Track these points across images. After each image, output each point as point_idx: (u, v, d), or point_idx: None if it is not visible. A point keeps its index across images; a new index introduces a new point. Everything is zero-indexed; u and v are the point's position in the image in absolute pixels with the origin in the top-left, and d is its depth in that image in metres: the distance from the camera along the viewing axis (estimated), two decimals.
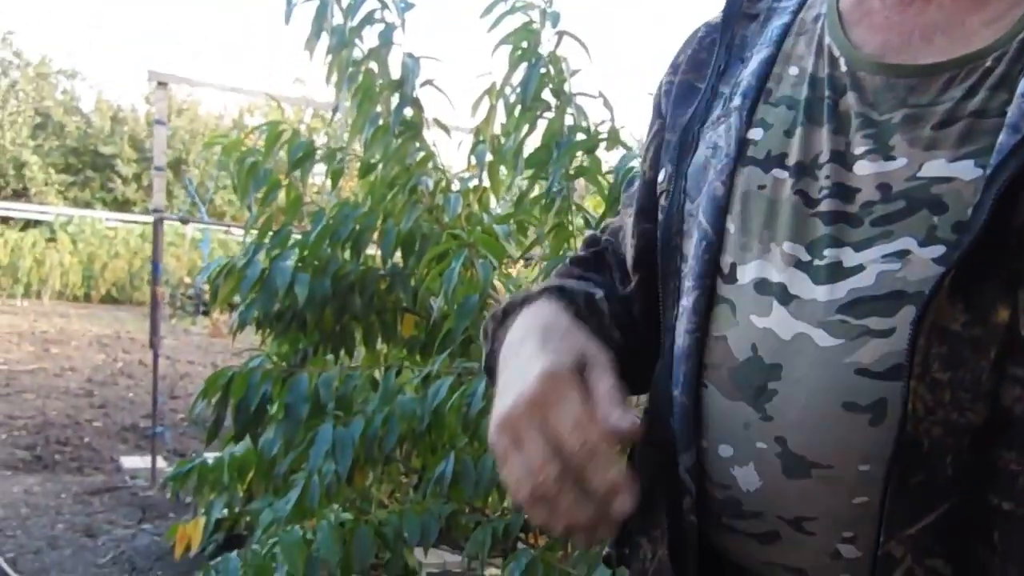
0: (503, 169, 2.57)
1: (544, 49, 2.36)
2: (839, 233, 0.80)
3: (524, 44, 2.36)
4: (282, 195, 2.62)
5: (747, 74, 0.93)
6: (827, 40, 0.90)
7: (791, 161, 0.85)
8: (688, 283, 0.89)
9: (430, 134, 2.55)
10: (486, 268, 2.16)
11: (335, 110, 2.70)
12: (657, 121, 1.03)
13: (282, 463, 2.15)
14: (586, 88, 2.41)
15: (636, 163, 2.14)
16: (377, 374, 2.26)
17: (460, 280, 2.18)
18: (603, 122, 2.38)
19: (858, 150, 0.81)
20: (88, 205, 18.44)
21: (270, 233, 2.54)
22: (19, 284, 14.19)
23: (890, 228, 0.77)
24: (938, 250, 0.75)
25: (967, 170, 0.75)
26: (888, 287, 0.76)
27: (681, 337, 0.89)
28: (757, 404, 0.81)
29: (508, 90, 2.41)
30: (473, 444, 2.07)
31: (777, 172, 0.85)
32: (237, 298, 2.60)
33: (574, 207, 2.34)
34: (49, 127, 20.45)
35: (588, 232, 1.40)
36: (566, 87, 2.39)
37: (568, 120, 2.39)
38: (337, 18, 2.45)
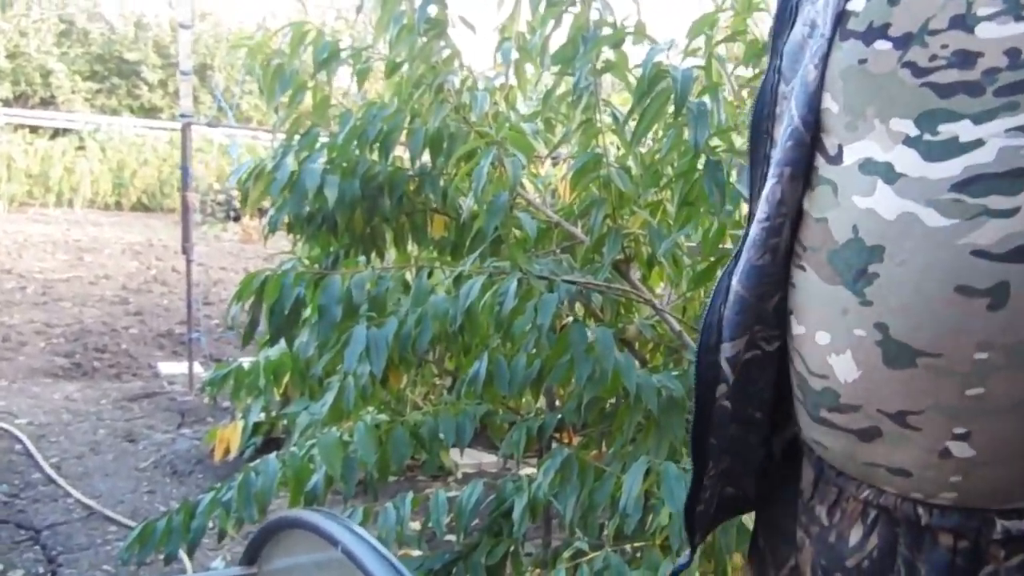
0: (529, 67, 2.53)
1: None
2: (956, 105, 0.73)
3: None
4: (308, 97, 2.60)
5: None
6: None
7: (896, 32, 0.77)
8: (771, 170, 0.86)
9: (455, 33, 2.52)
10: (516, 165, 2.14)
11: (359, 9, 2.66)
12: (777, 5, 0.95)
13: (317, 365, 2.17)
14: None
15: (662, 57, 2.10)
16: (408, 276, 2.26)
17: (489, 179, 2.16)
18: (628, 16, 2.33)
19: (983, 11, 0.73)
20: (115, 112, 18.39)
21: (297, 135, 2.53)
22: (51, 193, 14.26)
23: (1017, 99, 0.71)
24: None
25: None
26: (1013, 163, 0.70)
27: (754, 226, 0.87)
28: (856, 288, 0.77)
29: None
30: (506, 344, 2.08)
31: (880, 44, 0.78)
32: (267, 203, 2.61)
33: (601, 103, 2.30)
34: (73, 34, 20.28)
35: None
36: None
37: (594, 15, 2.33)
38: None
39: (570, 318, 2.26)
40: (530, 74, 2.62)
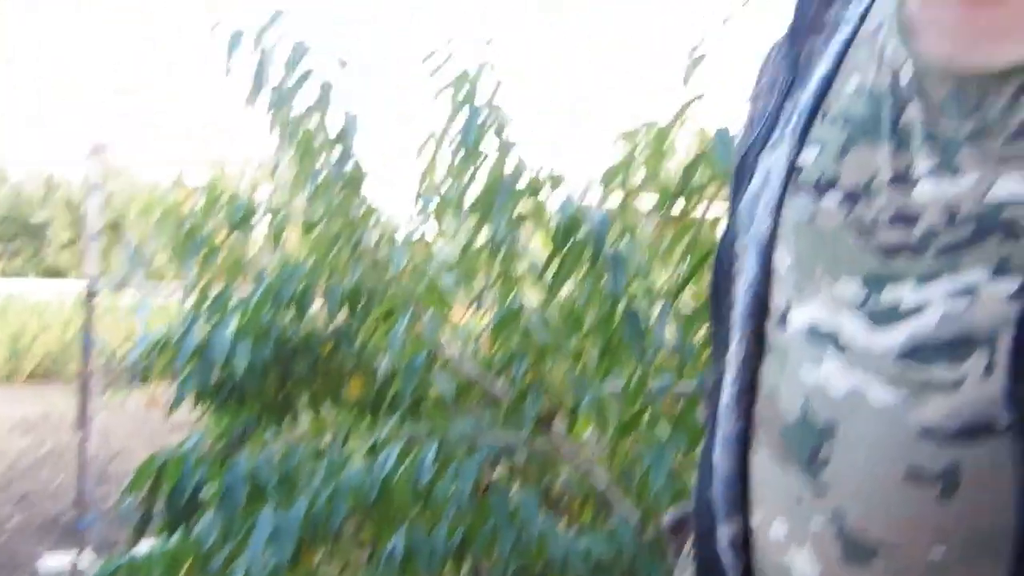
0: (447, 217, 2.53)
1: (483, 97, 2.33)
2: (898, 266, 0.70)
3: (463, 93, 2.33)
4: (221, 257, 2.55)
5: (806, 94, 0.85)
6: (889, 50, 0.81)
7: (845, 187, 0.76)
8: (734, 331, 0.82)
9: (371, 187, 2.52)
10: (433, 325, 2.09)
11: (276, 167, 2.66)
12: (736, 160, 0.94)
13: (219, 555, 2.03)
14: (525, 134, 2.39)
15: (578, 205, 2.12)
16: (323, 444, 2.18)
17: (407, 338, 2.12)
18: (543, 167, 2.36)
19: (920, 168, 0.72)
20: (20, 274, 18.04)
21: (208, 301, 2.47)
22: None
23: (956, 259, 0.67)
24: (1012, 283, 0.65)
25: None
26: (954, 330, 0.66)
27: (724, 390, 0.82)
28: (811, 472, 0.72)
29: (448, 139, 2.38)
30: (425, 513, 1.99)
31: (828, 199, 0.76)
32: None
33: (520, 252, 2.29)
34: None
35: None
36: (505, 134, 2.35)
37: (509, 167, 2.35)
38: (275, 77, 2.43)
39: (495, 477, 2.19)
40: (447, 224, 2.62)
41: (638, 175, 2.32)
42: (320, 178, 2.35)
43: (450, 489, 1.85)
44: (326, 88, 2.38)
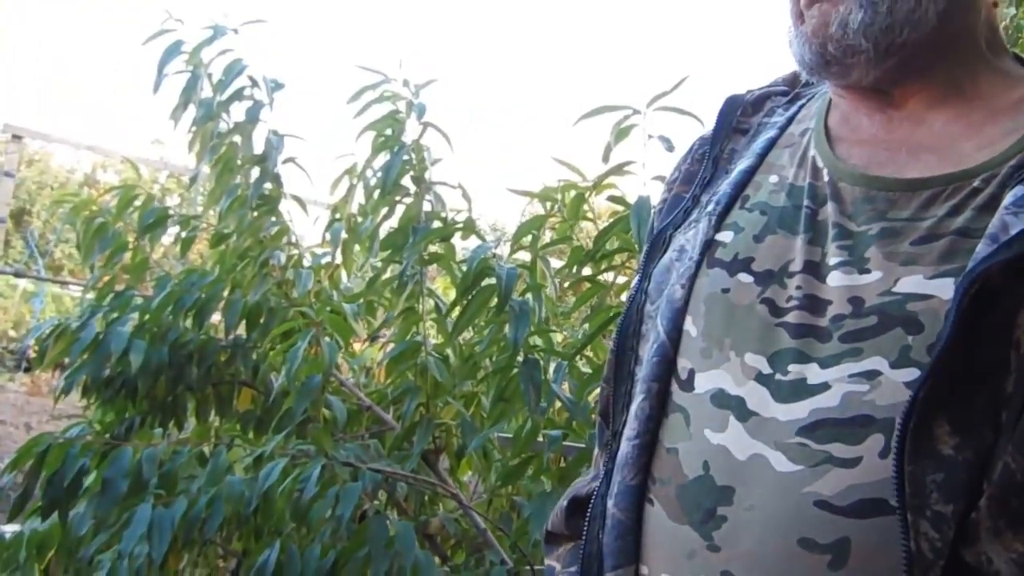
0: (357, 247, 2.56)
1: (408, 137, 2.37)
2: (806, 347, 0.75)
3: (388, 131, 2.37)
4: (127, 256, 2.53)
5: (726, 183, 0.91)
6: (812, 152, 0.88)
7: (759, 267, 0.82)
8: (638, 387, 0.85)
9: (287, 208, 2.53)
10: (332, 349, 2.11)
11: (193, 178, 2.65)
12: (648, 239, 0.98)
13: (90, 544, 2.00)
14: (446, 177, 2.42)
15: (489, 253, 2.16)
16: (207, 449, 2.16)
17: (304, 359, 2.13)
18: (459, 211, 2.40)
19: (832, 261, 0.78)
20: None
21: (110, 296, 2.45)
22: None
23: (860, 345, 0.73)
24: (911, 373, 0.70)
25: (946, 288, 0.71)
26: (854, 410, 0.71)
27: (623, 445, 0.84)
28: (704, 531, 0.75)
29: (369, 173, 2.41)
30: (301, 530, 1.99)
31: (742, 276, 0.82)
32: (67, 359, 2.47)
33: (425, 292, 2.33)
34: None
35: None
36: (427, 175, 2.39)
37: (426, 207, 2.39)
38: (206, 91, 2.44)
39: (374, 505, 2.19)
40: (357, 254, 2.64)
41: (551, 233, 2.37)
42: (237, 194, 2.35)
43: (329, 511, 1.85)
44: (256, 107, 2.40)
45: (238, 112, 2.46)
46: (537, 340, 2.20)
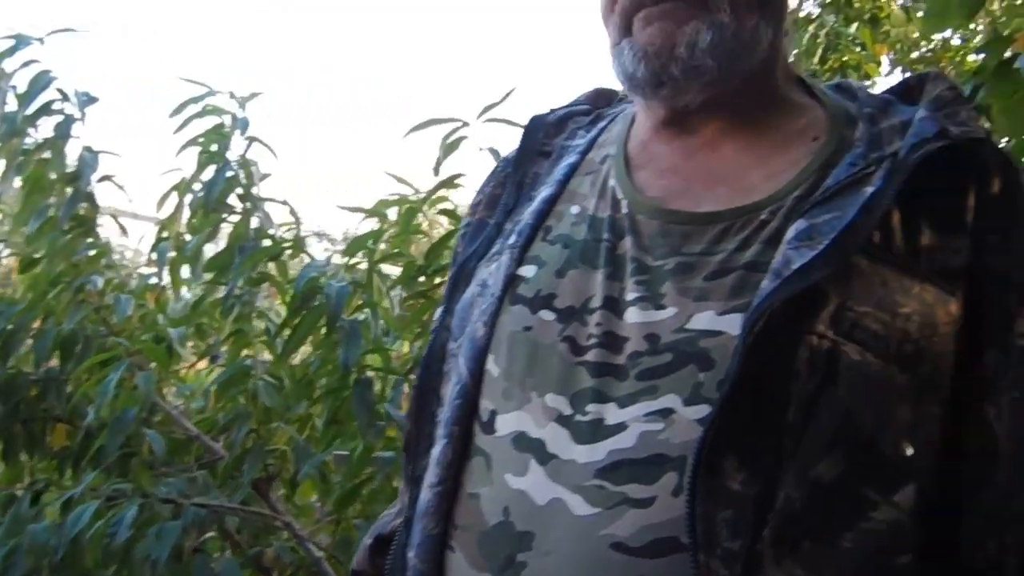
0: (186, 268, 2.45)
1: (234, 153, 2.28)
2: (604, 386, 0.74)
3: (213, 147, 2.28)
4: None
5: (528, 212, 0.89)
6: (612, 182, 0.87)
7: (561, 304, 0.80)
8: (440, 430, 0.82)
9: (107, 228, 2.41)
10: (148, 380, 2.00)
11: None
12: (452, 268, 0.97)
13: None
14: (279, 194, 2.35)
15: (318, 272, 2.10)
16: (19, 492, 2.03)
17: (121, 390, 2.01)
18: (289, 228, 2.33)
19: (630, 296, 0.77)
20: None
21: None
22: None
23: (655, 383, 0.73)
24: (702, 410, 0.70)
25: (735, 324, 0.71)
26: (649, 450, 0.71)
27: (424, 492, 0.81)
28: None
29: (195, 189, 2.31)
30: (123, 573, 1.89)
31: (544, 314, 0.80)
32: None
33: (255, 313, 2.24)
34: None
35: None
36: (254, 191, 2.31)
37: (255, 224, 2.31)
38: (11, 105, 2.29)
39: (202, 541, 2.10)
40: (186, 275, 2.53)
41: (385, 248, 2.33)
42: (48, 215, 2.21)
43: (148, 551, 1.76)
44: (66, 122, 2.27)
45: (47, 128, 2.32)
46: (376, 359, 2.16)
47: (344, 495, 2.14)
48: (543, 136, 0.98)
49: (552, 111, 1.01)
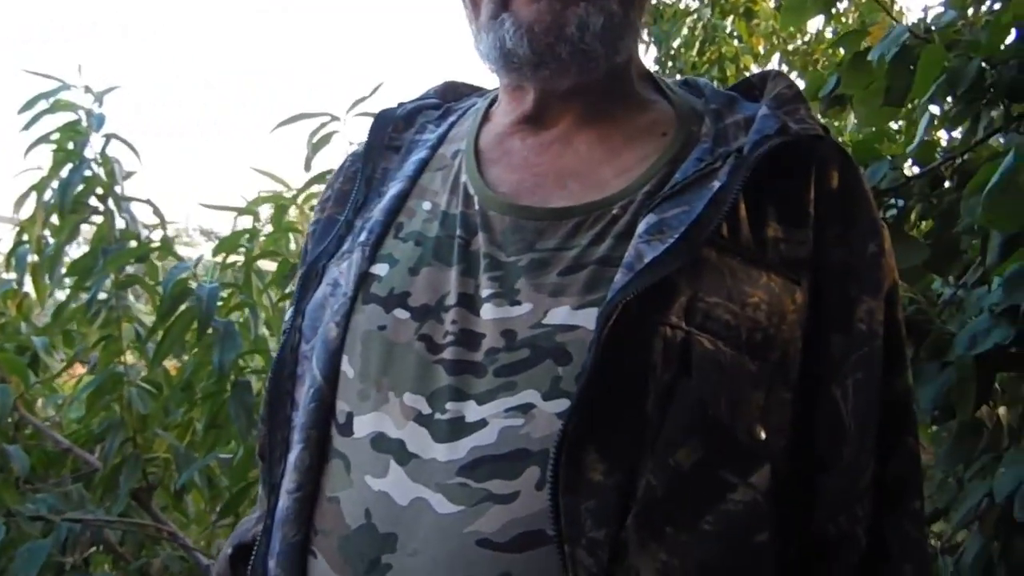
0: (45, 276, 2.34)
1: (92, 151, 2.19)
2: (462, 384, 0.74)
3: (70, 145, 2.18)
4: None
5: (378, 209, 0.87)
6: (463, 177, 0.85)
7: (415, 302, 0.78)
8: (296, 435, 0.80)
9: None
10: (3, 393, 1.91)
11: None
12: (301, 267, 0.93)
13: None
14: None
15: (187, 273, 2.03)
16: None
17: None
18: (155, 228, 2.25)
19: (485, 293, 0.76)
20: None
21: None
22: None
23: (514, 379, 0.72)
24: (562, 404, 0.70)
25: (590, 318, 0.72)
26: (511, 445, 0.71)
27: (283, 498, 0.79)
28: None
29: (52, 190, 2.21)
30: None
31: (399, 312, 0.78)
32: None
33: (124, 317, 2.16)
34: None
35: None
36: (117, 190, 2.22)
37: (120, 224, 2.23)
38: None
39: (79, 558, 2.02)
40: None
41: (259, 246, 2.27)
42: None
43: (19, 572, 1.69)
44: None
45: None
46: (257, 360, 2.11)
47: (231, 499, 2.09)
48: (392, 130, 0.96)
49: (401, 105, 1.00)
